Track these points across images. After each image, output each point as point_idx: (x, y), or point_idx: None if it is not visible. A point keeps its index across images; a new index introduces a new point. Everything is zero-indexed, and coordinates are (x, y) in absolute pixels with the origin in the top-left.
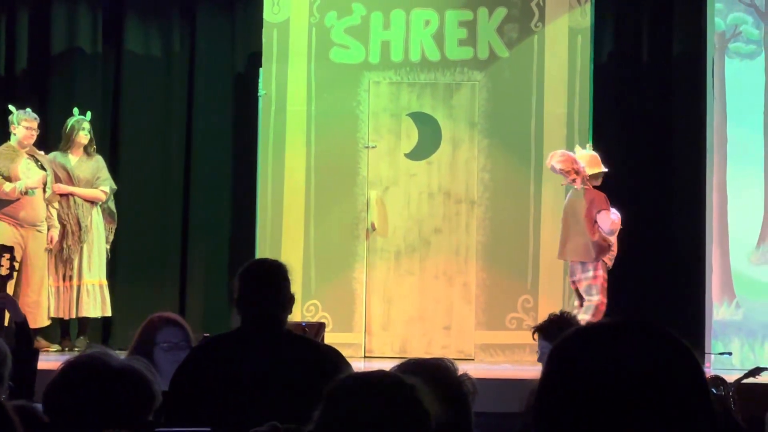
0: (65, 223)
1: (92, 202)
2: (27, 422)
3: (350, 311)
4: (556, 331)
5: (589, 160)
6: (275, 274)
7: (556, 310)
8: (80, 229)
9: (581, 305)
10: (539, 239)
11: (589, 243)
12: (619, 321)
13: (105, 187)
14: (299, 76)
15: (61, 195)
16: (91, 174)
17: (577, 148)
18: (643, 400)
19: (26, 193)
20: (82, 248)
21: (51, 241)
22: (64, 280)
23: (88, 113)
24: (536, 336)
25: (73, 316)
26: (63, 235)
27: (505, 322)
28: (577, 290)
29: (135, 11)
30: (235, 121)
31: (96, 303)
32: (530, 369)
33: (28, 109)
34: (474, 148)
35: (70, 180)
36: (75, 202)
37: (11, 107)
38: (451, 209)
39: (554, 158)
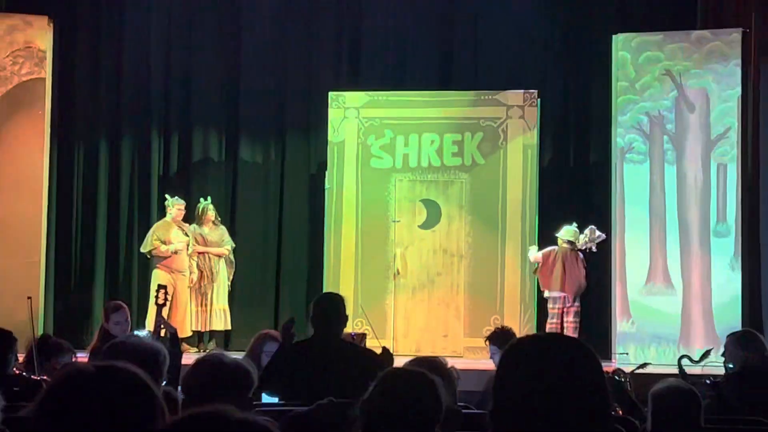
0: (203, 270)
1: (219, 256)
2: (168, 403)
3: (383, 325)
4: (499, 339)
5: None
6: (336, 302)
7: (500, 325)
8: (212, 274)
9: (560, 324)
10: (504, 279)
11: (582, 283)
12: (547, 334)
13: (228, 246)
14: (351, 176)
15: (199, 253)
16: (218, 238)
17: (573, 226)
18: (562, 384)
19: (175, 252)
20: (213, 286)
21: (192, 282)
22: (201, 306)
23: (209, 198)
24: (487, 343)
25: (207, 329)
26: (201, 278)
27: (482, 332)
28: (561, 313)
29: (246, 132)
30: (310, 204)
31: (222, 321)
32: (492, 363)
33: (177, 197)
34: (462, 221)
35: (205, 243)
36: (209, 257)
37: (167, 195)
38: (448, 260)
39: (593, 234)
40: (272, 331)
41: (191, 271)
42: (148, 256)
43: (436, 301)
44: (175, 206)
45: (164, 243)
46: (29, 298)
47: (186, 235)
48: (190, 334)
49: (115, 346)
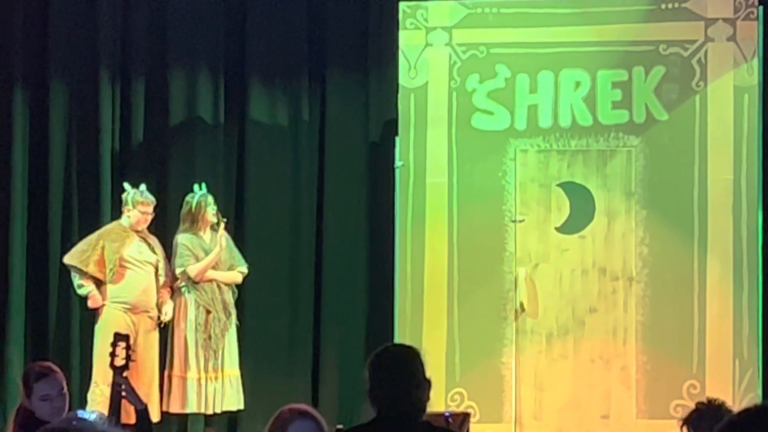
0: (210, 309)
1: (229, 285)
2: None
3: (499, 400)
4: (705, 421)
5: None
6: (407, 358)
7: (704, 400)
8: (227, 316)
9: None
10: (705, 318)
11: None
12: None
13: (243, 267)
14: (439, 144)
15: (205, 281)
16: (228, 254)
17: None
18: None
19: (83, 294)
20: (225, 338)
21: (165, 315)
22: (206, 371)
23: (203, 185)
24: (684, 429)
25: (218, 410)
26: (207, 322)
27: (670, 409)
28: None
29: (259, 77)
30: (369, 195)
31: (238, 395)
32: None
33: (143, 188)
34: (631, 220)
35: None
36: (219, 287)
37: (126, 185)
38: (607, 287)
39: None
40: (300, 405)
41: (161, 302)
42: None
43: (588, 356)
44: (140, 207)
45: (113, 266)
46: None
47: (153, 252)
48: (158, 419)
49: None
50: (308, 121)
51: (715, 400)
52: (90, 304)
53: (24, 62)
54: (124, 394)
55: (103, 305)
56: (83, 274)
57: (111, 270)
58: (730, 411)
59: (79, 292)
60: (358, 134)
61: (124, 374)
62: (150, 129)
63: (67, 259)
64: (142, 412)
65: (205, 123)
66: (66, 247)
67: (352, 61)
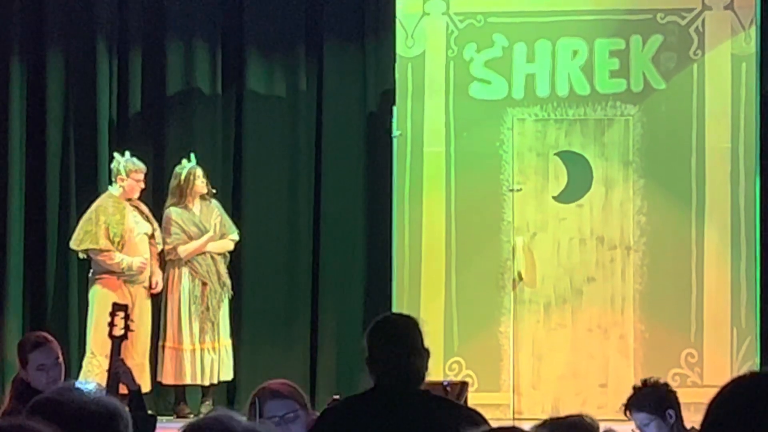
0: (206, 282)
1: (222, 255)
2: None
3: (496, 369)
4: (649, 401)
5: None
6: (406, 327)
7: (645, 379)
8: (222, 287)
9: None
10: (703, 287)
11: None
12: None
13: (234, 234)
14: (437, 114)
15: (199, 253)
16: (219, 223)
17: None
18: None
19: (128, 270)
20: (220, 309)
21: (156, 286)
22: (202, 342)
23: (193, 157)
24: (628, 413)
25: (215, 381)
26: (204, 294)
27: (668, 378)
28: None
29: (256, 47)
30: (367, 165)
31: (230, 364)
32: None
33: (134, 158)
34: (629, 189)
35: (201, 234)
36: (213, 258)
37: (116, 155)
38: (604, 256)
39: None
40: (274, 383)
41: (152, 272)
42: (83, 257)
43: (586, 325)
44: (134, 175)
45: (121, 239)
46: None
47: (147, 220)
48: (149, 389)
49: (42, 407)
50: (305, 92)
51: (650, 378)
52: (138, 269)
53: (21, 33)
54: (119, 372)
55: (102, 278)
56: (100, 251)
57: (118, 243)
58: (667, 385)
59: (122, 267)
60: (356, 104)
61: (123, 344)
62: (147, 99)
63: (77, 245)
64: (135, 393)
65: (202, 93)
66: (63, 216)
67: (350, 30)
